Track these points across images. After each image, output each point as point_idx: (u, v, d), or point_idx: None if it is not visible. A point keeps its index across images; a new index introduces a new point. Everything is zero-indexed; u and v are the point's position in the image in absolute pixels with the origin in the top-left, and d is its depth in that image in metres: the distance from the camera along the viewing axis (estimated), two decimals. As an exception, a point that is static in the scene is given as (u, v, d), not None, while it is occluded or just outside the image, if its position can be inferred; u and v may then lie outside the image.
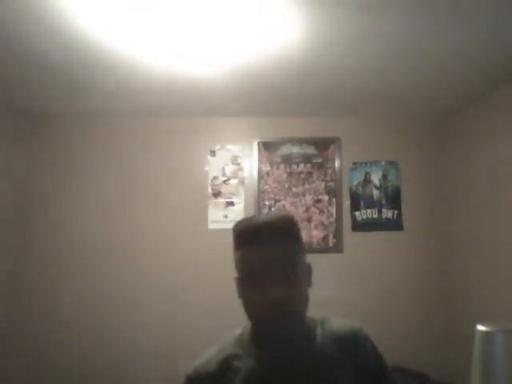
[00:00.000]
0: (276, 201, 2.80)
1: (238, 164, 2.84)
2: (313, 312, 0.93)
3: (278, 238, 0.81)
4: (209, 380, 0.82)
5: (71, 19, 1.58)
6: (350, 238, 2.76)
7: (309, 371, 0.81)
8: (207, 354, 0.88)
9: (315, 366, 0.82)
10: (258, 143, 2.85)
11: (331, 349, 0.85)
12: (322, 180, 2.82)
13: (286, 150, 2.85)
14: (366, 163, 2.84)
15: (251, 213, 2.76)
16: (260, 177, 2.81)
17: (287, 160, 2.84)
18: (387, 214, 2.79)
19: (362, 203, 2.80)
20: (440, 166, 2.83)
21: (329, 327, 0.91)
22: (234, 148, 2.86)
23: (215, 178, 2.82)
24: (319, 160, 2.84)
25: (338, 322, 0.94)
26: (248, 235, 0.82)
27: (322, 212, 2.78)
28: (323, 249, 2.75)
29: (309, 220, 2.77)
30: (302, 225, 2.76)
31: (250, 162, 2.84)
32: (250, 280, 0.81)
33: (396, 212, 2.79)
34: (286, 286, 0.78)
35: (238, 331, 0.92)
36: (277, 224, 0.83)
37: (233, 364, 0.83)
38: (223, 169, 2.83)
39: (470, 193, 2.50)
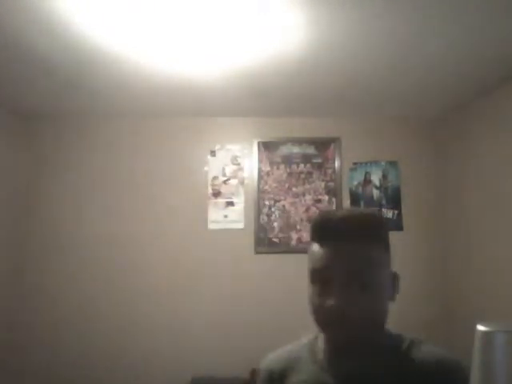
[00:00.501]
0: (276, 201, 2.80)
1: (238, 164, 2.84)
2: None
3: (365, 237, 0.71)
4: (273, 376, 0.82)
5: (71, 20, 1.58)
6: (350, 238, 2.76)
7: None
8: (280, 351, 0.87)
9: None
10: (258, 143, 2.85)
11: (409, 375, 0.70)
12: (322, 180, 2.82)
13: (285, 150, 2.85)
14: (366, 163, 2.84)
15: (251, 213, 2.76)
16: (260, 177, 2.81)
17: (287, 160, 2.84)
18: (387, 214, 2.79)
19: (361, 203, 2.80)
20: (440, 165, 2.83)
21: (417, 350, 0.74)
22: (234, 148, 2.86)
23: (215, 177, 2.81)
24: (319, 160, 2.84)
25: (432, 348, 0.76)
26: (328, 227, 0.72)
27: (322, 212, 2.78)
28: (323, 249, 2.74)
29: (309, 220, 2.77)
30: (301, 225, 2.77)
31: (250, 162, 2.84)
32: (317, 279, 0.72)
33: (396, 212, 2.79)
34: (358, 295, 0.68)
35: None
36: (366, 221, 0.72)
37: (297, 366, 0.80)
38: (223, 169, 2.82)
39: (470, 193, 2.49)
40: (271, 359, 0.85)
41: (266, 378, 0.83)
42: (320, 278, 0.71)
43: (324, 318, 0.70)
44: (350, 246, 0.70)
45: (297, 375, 0.78)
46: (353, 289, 0.68)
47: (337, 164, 2.83)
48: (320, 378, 0.75)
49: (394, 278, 0.77)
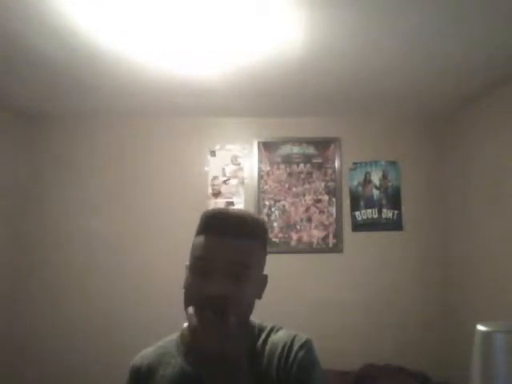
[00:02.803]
0: (276, 201, 2.80)
1: (238, 164, 2.84)
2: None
3: (243, 234, 0.77)
4: (142, 373, 0.84)
5: (72, 19, 1.58)
6: (350, 237, 2.76)
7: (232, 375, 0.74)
8: (150, 348, 0.90)
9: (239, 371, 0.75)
10: (258, 143, 2.85)
11: (264, 357, 0.78)
12: (322, 180, 2.82)
13: (286, 150, 2.85)
14: (365, 163, 2.84)
15: (251, 213, 2.76)
16: (260, 177, 2.81)
17: (287, 160, 2.84)
18: (387, 213, 2.79)
19: (362, 203, 2.80)
20: (440, 166, 2.83)
21: (272, 336, 0.82)
22: (234, 148, 2.86)
23: (215, 177, 2.82)
24: (319, 160, 2.84)
25: (285, 331, 0.83)
26: (213, 222, 0.78)
27: (322, 212, 2.78)
28: (323, 249, 2.75)
29: (309, 220, 2.77)
30: (301, 225, 2.77)
31: (250, 162, 2.84)
32: (196, 268, 0.76)
33: (396, 212, 2.79)
34: (230, 284, 0.73)
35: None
36: (248, 221, 0.79)
37: (164, 359, 0.84)
38: (223, 169, 2.83)
39: (470, 193, 2.49)
40: (141, 355, 0.88)
41: (133, 373, 0.86)
42: (199, 265, 0.76)
43: (196, 300, 0.72)
44: (232, 240, 0.76)
45: (163, 369, 0.82)
46: (227, 276, 0.74)
47: (337, 164, 2.83)
48: (183, 369, 0.80)
49: (264, 280, 0.84)
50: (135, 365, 0.87)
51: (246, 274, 0.76)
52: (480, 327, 1.44)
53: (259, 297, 0.83)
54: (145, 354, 0.88)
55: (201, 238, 0.79)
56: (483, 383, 1.35)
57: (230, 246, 0.76)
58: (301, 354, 0.77)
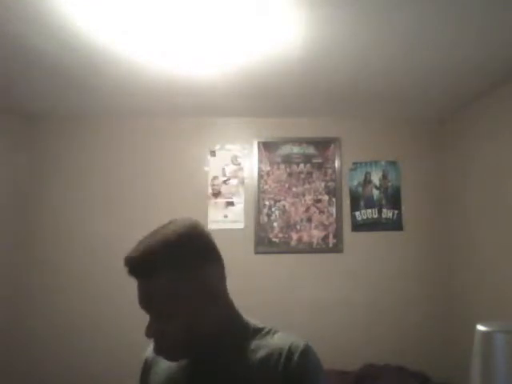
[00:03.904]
0: (276, 201, 2.80)
1: (238, 164, 2.84)
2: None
3: (146, 273, 0.75)
4: (147, 362, 0.93)
5: (72, 20, 1.58)
6: (350, 237, 2.76)
7: (223, 375, 0.78)
8: None
9: (231, 373, 0.77)
10: (258, 143, 2.85)
11: (256, 359, 0.77)
12: (322, 180, 2.82)
13: (286, 149, 2.85)
14: (365, 163, 2.84)
15: (251, 213, 2.76)
16: (260, 177, 2.81)
17: (287, 160, 2.84)
18: (387, 213, 2.79)
19: (362, 203, 2.80)
20: (440, 165, 2.83)
21: (268, 339, 0.80)
22: (234, 148, 2.86)
23: (215, 177, 2.82)
24: (319, 160, 2.84)
25: (281, 335, 0.81)
26: (128, 266, 0.77)
27: (322, 212, 2.79)
28: (323, 249, 2.75)
29: (309, 220, 2.77)
30: (301, 225, 2.77)
31: (250, 162, 2.84)
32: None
33: (396, 212, 2.79)
34: (158, 322, 0.76)
35: None
36: (142, 259, 0.75)
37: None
38: (223, 169, 2.83)
39: (470, 193, 2.50)
40: (149, 348, 0.93)
41: (142, 364, 0.95)
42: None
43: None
44: (140, 284, 0.77)
45: (160, 363, 0.87)
46: (154, 316, 0.77)
47: (337, 164, 2.83)
48: (175, 364, 0.83)
49: (205, 284, 0.78)
50: (144, 356, 0.95)
51: (168, 305, 0.75)
52: (480, 327, 1.44)
53: (215, 298, 0.79)
54: (151, 347, 0.92)
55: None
56: (483, 383, 1.35)
57: (142, 290, 0.78)
58: (301, 362, 0.74)
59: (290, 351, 0.75)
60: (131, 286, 0.81)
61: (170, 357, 0.79)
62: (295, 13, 1.55)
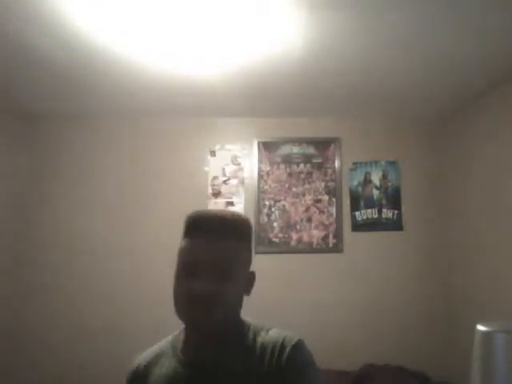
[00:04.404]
0: (276, 201, 2.80)
1: (238, 164, 2.84)
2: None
3: (225, 233, 0.79)
4: (139, 373, 0.87)
5: (72, 20, 1.58)
6: (350, 237, 2.76)
7: (222, 376, 0.78)
8: (149, 348, 0.93)
9: (230, 372, 0.79)
10: (258, 143, 2.85)
11: (255, 356, 0.79)
12: (322, 180, 2.82)
13: (286, 150, 2.85)
14: (365, 163, 2.84)
15: (251, 213, 2.76)
16: (260, 177, 2.81)
17: (287, 160, 2.84)
18: (387, 214, 2.79)
19: (362, 203, 2.80)
20: (440, 165, 2.83)
21: (263, 335, 0.82)
22: (234, 148, 2.86)
23: (215, 177, 2.82)
24: (319, 160, 2.84)
25: (276, 331, 0.83)
26: (195, 225, 0.80)
27: (322, 212, 2.78)
28: (323, 249, 2.75)
29: (309, 220, 2.77)
30: (301, 225, 2.77)
31: (250, 162, 2.84)
32: (182, 270, 0.79)
33: (396, 212, 2.79)
34: (214, 283, 0.76)
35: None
36: (229, 221, 0.81)
37: (159, 360, 0.86)
38: (223, 169, 2.83)
39: (470, 193, 2.49)
40: (140, 356, 0.91)
41: (131, 373, 0.89)
42: (185, 268, 0.79)
43: (183, 301, 0.77)
44: (214, 241, 0.78)
45: (158, 369, 0.84)
46: (211, 275, 0.76)
47: (337, 164, 2.83)
48: (176, 369, 0.82)
49: (251, 276, 0.88)
50: (133, 365, 0.90)
51: (230, 272, 0.78)
52: (480, 327, 1.44)
53: (247, 293, 0.86)
54: (142, 355, 0.91)
55: (185, 242, 0.82)
56: (483, 383, 1.35)
57: (213, 246, 0.78)
58: (293, 355, 0.77)
59: (283, 345, 0.78)
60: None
61: (207, 318, 0.75)
62: (295, 13, 1.55)
